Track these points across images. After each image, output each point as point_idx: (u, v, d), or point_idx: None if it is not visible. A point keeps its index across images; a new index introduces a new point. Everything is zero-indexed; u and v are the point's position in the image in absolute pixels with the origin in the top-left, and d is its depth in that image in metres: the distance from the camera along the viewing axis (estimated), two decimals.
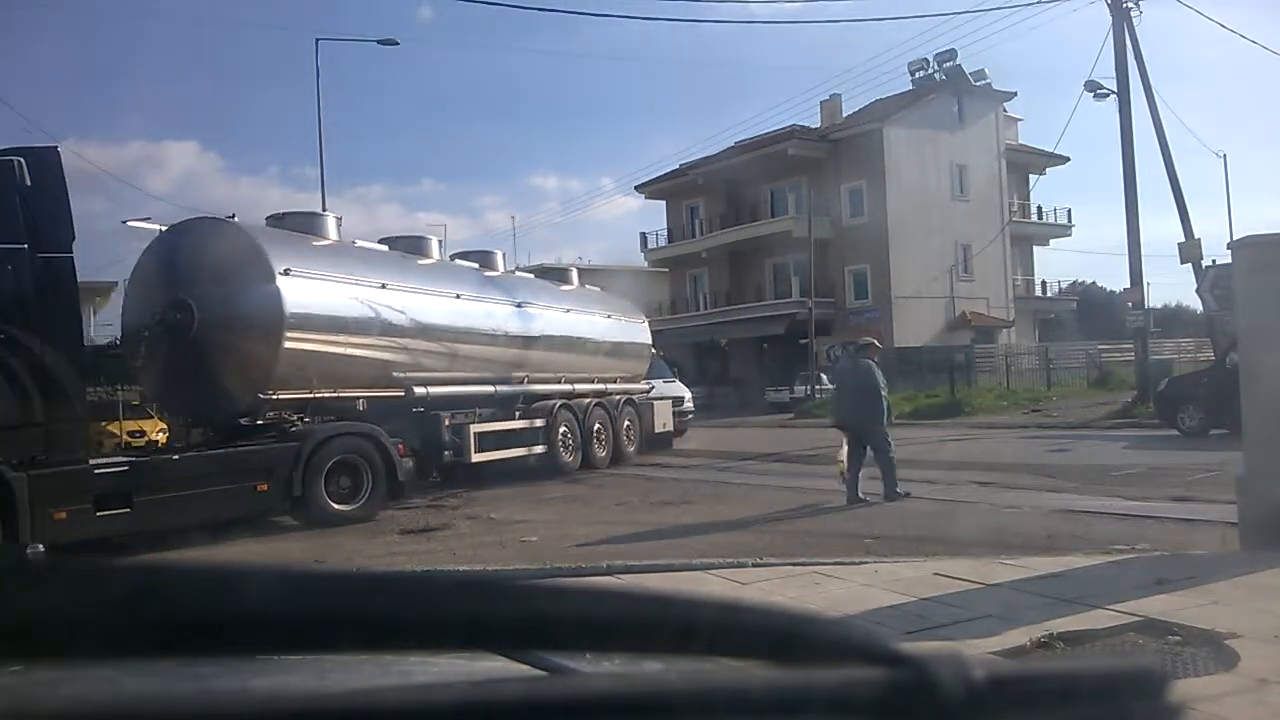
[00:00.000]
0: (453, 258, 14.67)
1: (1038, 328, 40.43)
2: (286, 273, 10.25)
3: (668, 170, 41.67)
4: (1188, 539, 6.81)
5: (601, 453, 15.07)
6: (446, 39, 77.25)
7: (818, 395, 30.11)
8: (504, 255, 15.61)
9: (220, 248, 10.34)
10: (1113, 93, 20.34)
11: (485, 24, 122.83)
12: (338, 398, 10.78)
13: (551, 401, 14.23)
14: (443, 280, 13.05)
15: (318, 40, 25.38)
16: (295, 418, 10.39)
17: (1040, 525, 7.78)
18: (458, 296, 12.83)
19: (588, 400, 15.01)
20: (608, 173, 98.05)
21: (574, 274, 17.13)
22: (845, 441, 9.66)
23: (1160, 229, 39.24)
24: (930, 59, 36.52)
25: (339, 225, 12.19)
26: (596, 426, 15.01)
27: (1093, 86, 20.86)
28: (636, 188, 43.65)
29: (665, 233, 42.51)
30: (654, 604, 0.62)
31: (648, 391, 17.43)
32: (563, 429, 14.25)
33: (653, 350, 18.28)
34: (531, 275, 16.84)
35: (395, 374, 11.55)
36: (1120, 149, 20.26)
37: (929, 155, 35.44)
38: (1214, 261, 18.04)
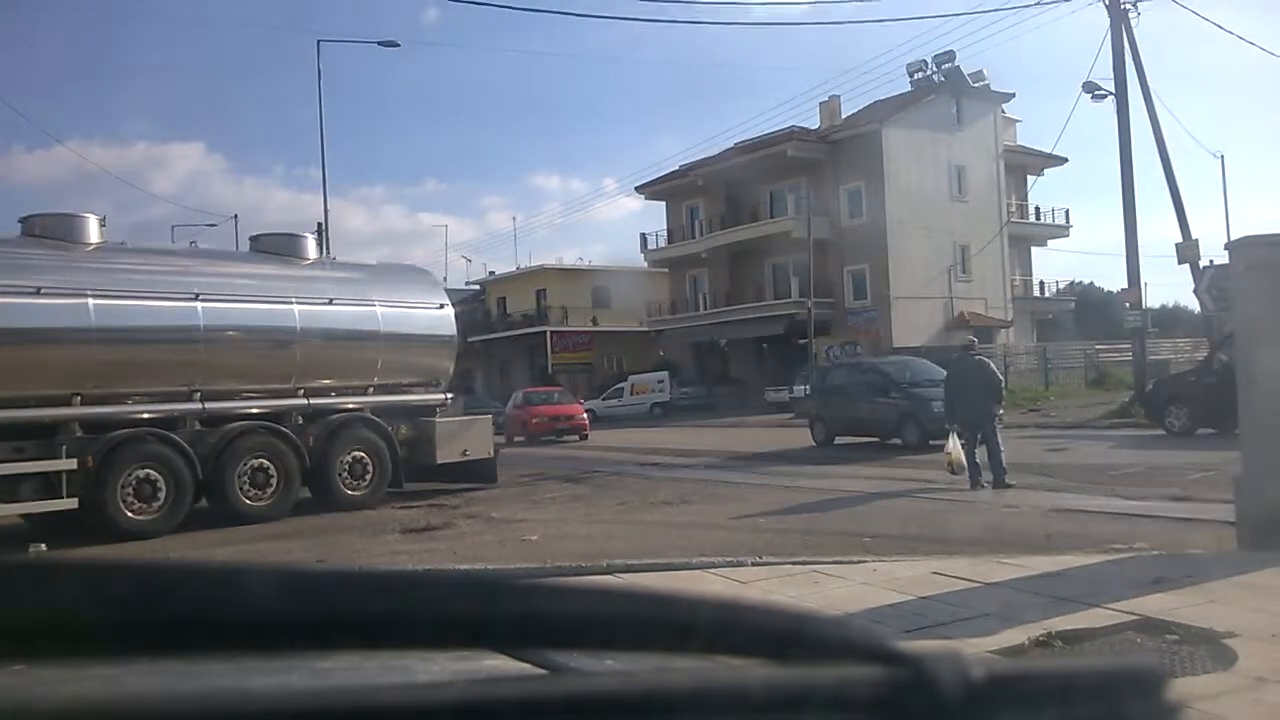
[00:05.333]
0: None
1: (1036, 328, 40.45)
2: None
3: (668, 171, 41.75)
4: (1185, 538, 6.81)
5: (262, 502, 10.62)
6: (448, 40, 77.37)
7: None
8: (101, 221, 10.86)
9: None
10: (1110, 94, 20.34)
11: (487, 25, 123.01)
12: None
13: (111, 434, 9.84)
14: None
15: (319, 42, 25.50)
16: None
17: (1038, 524, 7.78)
18: None
19: (234, 426, 10.64)
20: (609, 173, 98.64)
21: (309, 243, 12.74)
22: (955, 437, 10.36)
23: (1158, 229, 39.35)
24: (929, 60, 36.54)
25: None
26: (256, 463, 10.62)
27: (1091, 88, 20.87)
28: (637, 188, 43.70)
29: (665, 233, 42.53)
30: (654, 604, 0.62)
31: (440, 404, 12.72)
32: (138, 471, 9.84)
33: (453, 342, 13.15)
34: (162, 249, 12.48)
35: None
36: (1118, 150, 20.29)
37: (928, 156, 35.44)
38: (1211, 262, 18.07)
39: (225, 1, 71.05)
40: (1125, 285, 21.13)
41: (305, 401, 11.40)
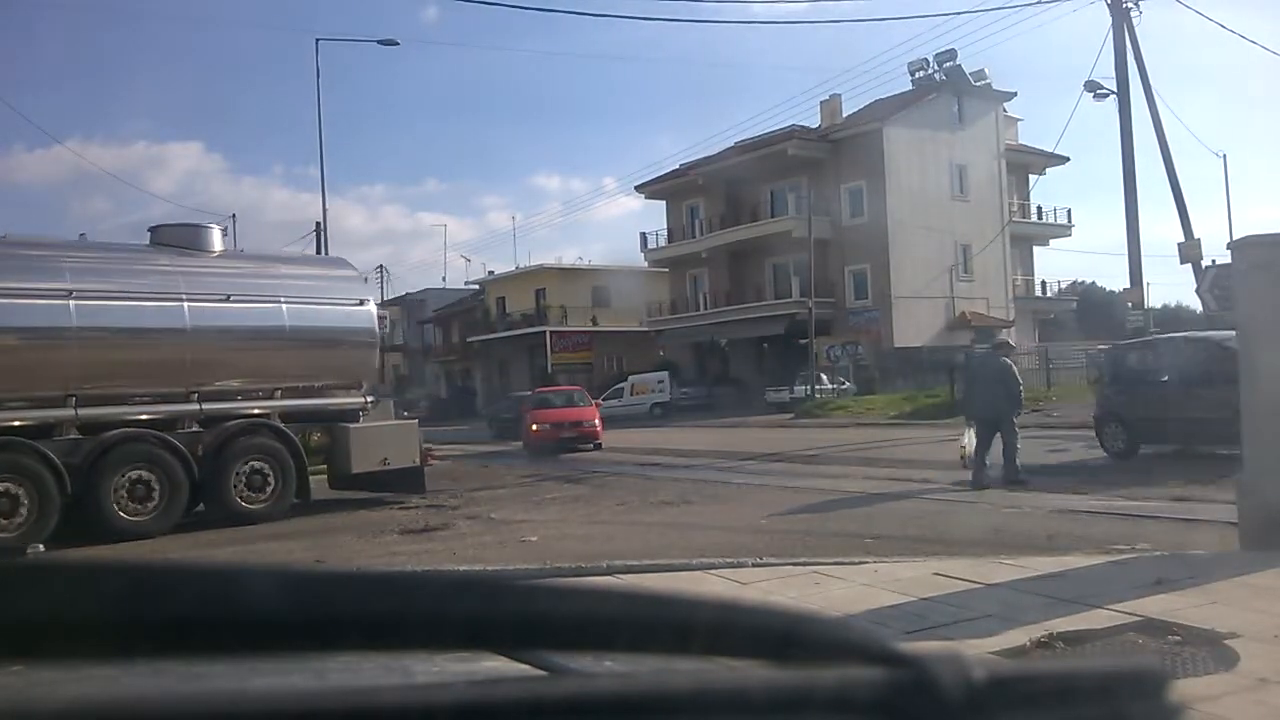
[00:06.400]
0: None
1: (1037, 328, 40.45)
2: None
3: (668, 170, 41.79)
4: (1187, 539, 6.80)
5: (142, 516, 9.76)
6: (448, 39, 77.47)
7: (817, 395, 30.18)
8: None
9: None
10: (1112, 93, 20.34)
11: (486, 24, 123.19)
12: None
13: None
14: None
15: (318, 40, 25.49)
16: None
17: (1040, 525, 7.78)
18: None
19: (110, 434, 9.81)
20: (609, 173, 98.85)
21: (214, 235, 11.65)
22: (970, 431, 10.68)
23: (1160, 229, 39.77)
24: (930, 59, 36.57)
25: None
26: (135, 474, 9.84)
27: (1092, 86, 20.87)
28: (637, 188, 43.75)
29: (665, 233, 42.57)
30: (654, 604, 0.62)
31: (359, 407, 11.74)
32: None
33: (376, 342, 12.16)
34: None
35: None
36: (1120, 149, 20.29)
37: (929, 155, 35.45)
38: (1214, 262, 18.06)
39: (225, 1, 71.17)
40: (1127, 285, 21.13)
41: (197, 407, 10.49)
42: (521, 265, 48.36)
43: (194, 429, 10.47)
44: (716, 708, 0.56)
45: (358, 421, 11.63)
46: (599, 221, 77.19)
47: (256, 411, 10.95)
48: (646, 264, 43.46)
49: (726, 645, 0.61)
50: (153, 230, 11.43)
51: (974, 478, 10.26)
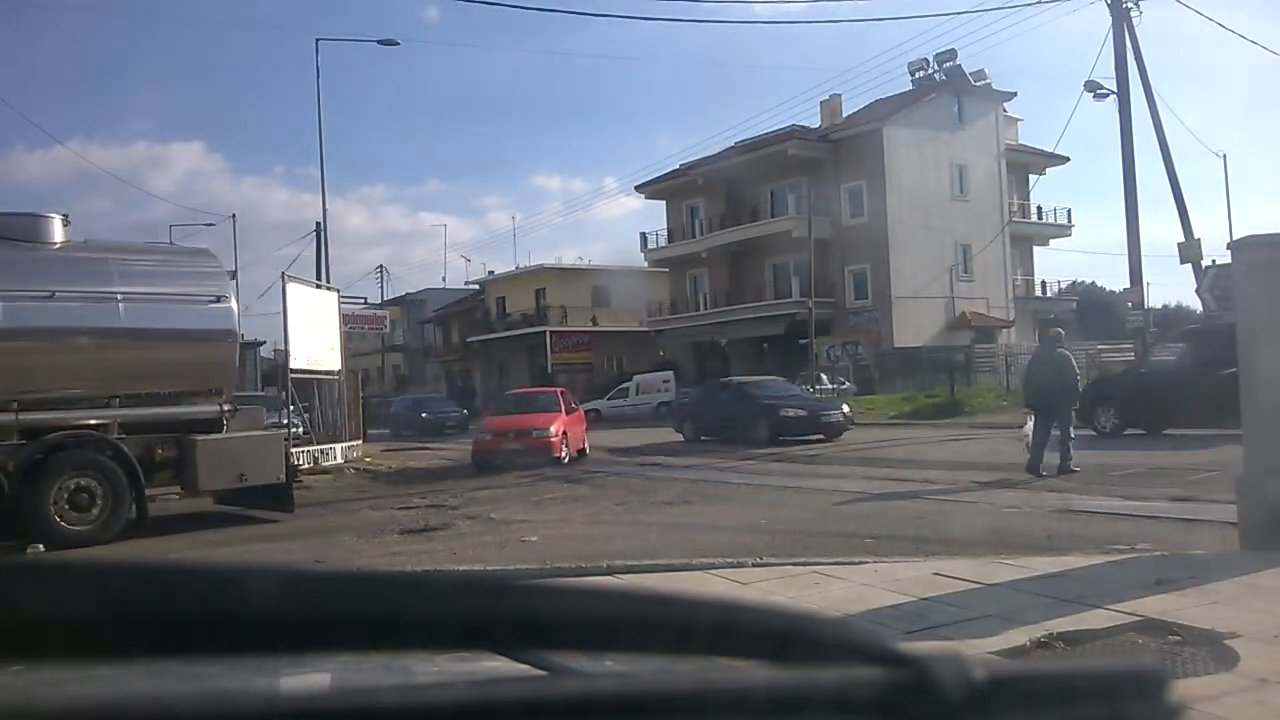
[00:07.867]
0: None
1: (1037, 328, 40.43)
2: None
3: (668, 170, 41.78)
4: (1187, 539, 6.81)
5: None
6: (448, 39, 77.53)
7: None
8: None
9: None
10: (1112, 93, 20.33)
11: (487, 24, 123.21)
12: None
13: None
14: None
15: (318, 41, 25.40)
16: None
17: (1040, 525, 7.78)
18: None
19: None
20: (609, 173, 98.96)
21: (54, 225, 10.09)
22: (1031, 418, 11.15)
23: (1160, 229, 39.62)
24: (930, 59, 36.57)
25: None
26: None
27: (1092, 86, 20.87)
28: (637, 188, 43.76)
29: (665, 233, 42.57)
30: (654, 604, 0.62)
31: (215, 416, 10.44)
32: None
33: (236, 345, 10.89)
34: None
35: None
36: (1120, 149, 20.28)
37: (929, 155, 35.45)
38: (1214, 262, 18.09)
39: (225, 1, 71.23)
40: (1127, 285, 21.14)
41: (13, 417, 9.24)
42: (521, 265, 48.39)
43: (15, 441, 9.26)
44: (717, 708, 0.56)
45: (221, 431, 10.41)
46: (599, 221, 77.35)
47: (92, 422, 9.73)
48: (646, 264, 43.47)
49: (727, 645, 0.61)
50: None
51: (1029, 463, 10.68)
